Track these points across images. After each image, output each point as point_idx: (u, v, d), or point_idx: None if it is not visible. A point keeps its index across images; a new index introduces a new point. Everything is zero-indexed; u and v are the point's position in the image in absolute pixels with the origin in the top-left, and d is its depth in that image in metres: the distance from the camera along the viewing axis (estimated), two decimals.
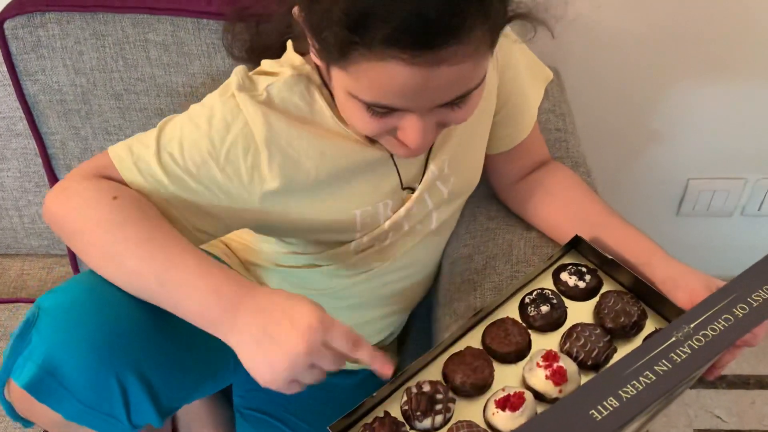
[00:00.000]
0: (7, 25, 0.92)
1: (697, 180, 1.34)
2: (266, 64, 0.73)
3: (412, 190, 0.78)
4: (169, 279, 0.61)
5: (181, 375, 0.69)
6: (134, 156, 0.67)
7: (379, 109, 0.61)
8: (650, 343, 0.52)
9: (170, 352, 0.66)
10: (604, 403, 0.49)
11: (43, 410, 0.62)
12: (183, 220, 0.68)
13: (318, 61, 0.65)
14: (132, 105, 0.97)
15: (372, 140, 0.73)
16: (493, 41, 0.60)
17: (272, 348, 0.58)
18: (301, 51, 0.72)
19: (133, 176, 0.67)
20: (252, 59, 0.83)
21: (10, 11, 0.92)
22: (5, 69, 0.96)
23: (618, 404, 0.49)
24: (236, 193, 0.69)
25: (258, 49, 0.81)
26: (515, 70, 0.83)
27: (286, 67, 0.70)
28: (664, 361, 0.51)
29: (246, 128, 0.67)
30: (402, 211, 0.78)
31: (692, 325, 0.52)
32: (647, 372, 0.50)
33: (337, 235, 0.78)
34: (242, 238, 0.89)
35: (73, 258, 1.13)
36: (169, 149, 0.67)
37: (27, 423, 0.69)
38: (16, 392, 0.63)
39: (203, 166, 0.67)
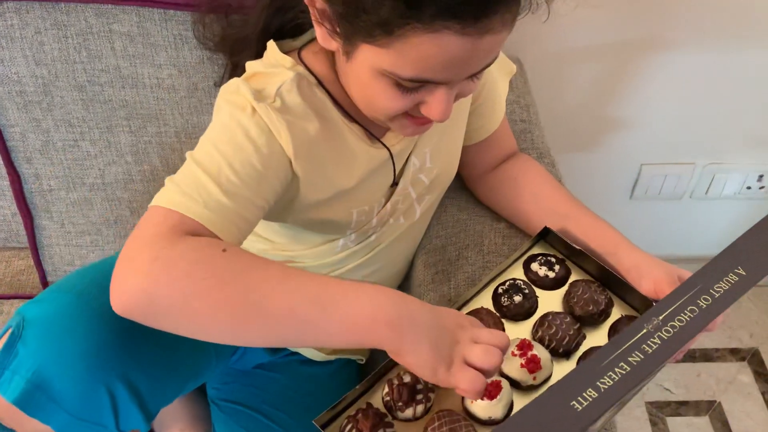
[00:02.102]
0: None
1: (650, 165, 1.39)
2: (255, 66, 0.71)
3: (396, 184, 0.80)
4: (328, 299, 0.57)
5: (166, 378, 0.69)
6: (199, 199, 0.61)
7: (411, 84, 0.61)
8: (623, 336, 0.55)
9: (156, 356, 0.66)
10: (584, 394, 0.51)
11: (32, 423, 0.62)
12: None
13: (333, 44, 0.64)
14: (96, 97, 0.95)
15: (372, 136, 0.74)
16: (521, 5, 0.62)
17: (445, 336, 0.59)
18: (284, 50, 0.72)
19: (210, 217, 0.61)
20: (226, 50, 0.83)
21: None
22: None
23: (597, 395, 0.51)
24: (285, 192, 0.69)
25: (231, 39, 0.81)
26: None
27: (280, 68, 0.69)
28: (636, 352, 0.54)
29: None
30: (389, 206, 0.80)
31: (661, 317, 0.56)
32: (622, 363, 0.53)
33: (330, 232, 0.79)
34: None
35: (35, 250, 1.10)
36: (225, 176, 0.62)
37: None
38: (2, 405, 0.62)
39: (262, 180, 0.64)
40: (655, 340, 0.53)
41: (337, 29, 0.61)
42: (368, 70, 0.62)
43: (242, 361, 0.92)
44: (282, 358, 0.94)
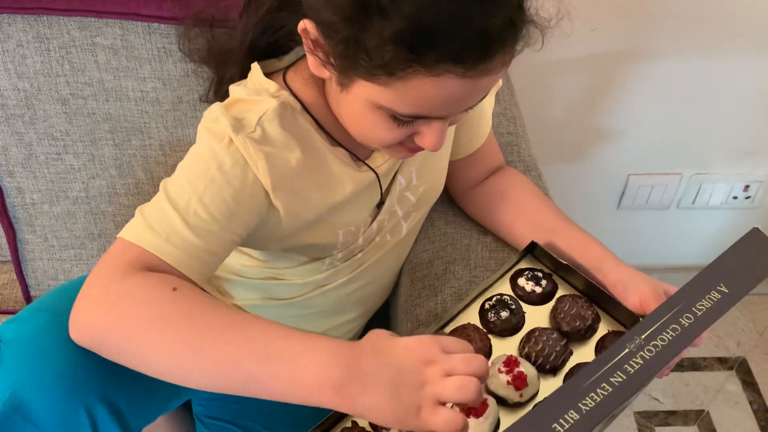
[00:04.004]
0: None
1: (637, 176, 1.40)
2: (238, 92, 0.70)
3: (382, 203, 0.79)
4: (273, 351, 0.55)
5: (147, 397, 0.68)
6: (163, 234, 0.61)
7: (407, 119, 0.61)
8: (605, 356, 0.54)
9: (136, 375, 0.64)
10: (566, 416, 0.51)
11: None
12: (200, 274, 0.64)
13: (325, 73, 0.63)
14: (79, 110, 0.94)
15: (357, 158, 0.74)
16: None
17: (408, 380, 0.54)
18: (268, 71, 0.71)
19: (171, 252, 0.61)
20: (211, 63, 0.82)
21: None
22: None
23: (578, 416, 0.51)
24: (262, 225, 0.68)
25: (216, 52, 0.80)
26: None
27: (264, 95, 0.68)
28: (618, 372, 0.54)
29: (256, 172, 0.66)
30: (375, 225, 0.79)
31: (643, 336, 0.55)
32: (604, 384, 0.53)
33: (316, 252, 0.79)
34: None
35: (18, 264, 1.08)
36: (193, 211, 0.62)
37: None
38: None
39: (231, 215, 0.63)
40: (637, 360, 0.53)
41: (333, 61, 0.60)
42: (364, 102, 0.61)
43: None
44: None
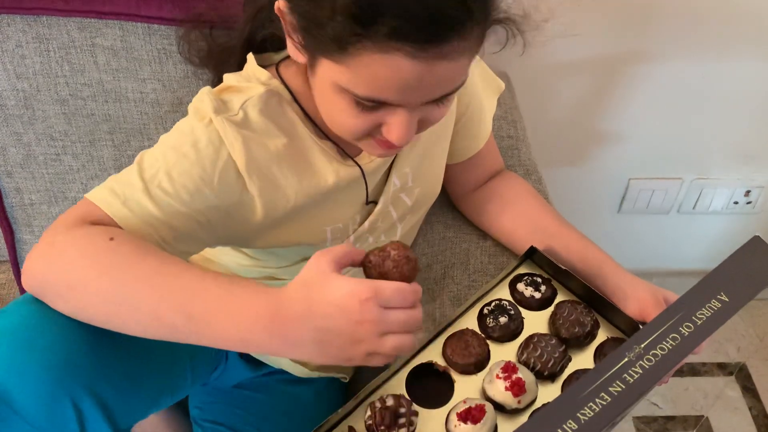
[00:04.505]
0: None
1: (638, 180, 1.39)
2: (230, 78, 0.71)
3: (375, 202, 0.79)
4: (195, 312, 0.56)
5: (137, 392, 0.67)
6: (121, 197, 0.63)
7: (369, 104, 0.60)
8: (604, 365, 0.54)
9: (125, 370, 0.65)
10: (564, 426, 0.51)
11: None
12: (170, 248, 0.65)
13: (300, 57, 0.63)
14: (78, 111, 0.93)
15: (344, 153, 0.73)
16: (483, 41, 0.61)
17: (338, 340, 0.54)
18: (264, 64, 0.71)
19: (123, 215, 0.62)
20: (210, 64, 0.82)
21: None
22: None
23: (577, 426, 0.51)
24: (234, 211, 0.68)
25: (215, 53, 0.80)
26: (470, 81, 0.84)
27: (254, 82, 0.69)
28: (618, 381, 0.53)
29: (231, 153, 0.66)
30: (366, 224, 0.79)
31: (642, 345, 0.55)
32: (603, 393, 0.53)
33: (305, 250, 0.78)
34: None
35: (16, 264, 1.08)
36: (158, 182, 0.63)
37: None
38: None
39: (196, 192, 0.64)
40: (636, 369, 0.53)
41: (302, 42, 0.61)
42: (329, 85, 0.61)
43: (222, 378, 0.91)
44: (265, 376, 0.93)
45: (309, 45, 0.60)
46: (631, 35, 1.17)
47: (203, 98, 0.67)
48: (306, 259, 0.77)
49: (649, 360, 0.53)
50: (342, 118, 0.63)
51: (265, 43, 0.74)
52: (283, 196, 0.70)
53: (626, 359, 0.53)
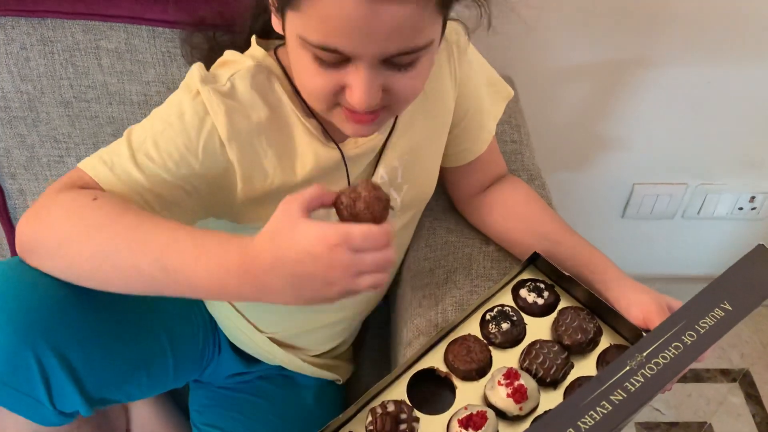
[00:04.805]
0: None
1: (642, 185, 1.39)
2: (229, 54, 0.73)
3: None
4: (170, 263, 0.58)
5: (107, 362, 0.68)
6: (108, 164, 0.65)
7: (326, 58, 0.60)
8: (606, 373, 0.54)
9: (94, 336, 0.66)
10: None
11: None
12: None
13: (279, 26, 0.64)
14: (82, 113, 0.94)
15: (328, 136, 0.73)
16: (442, 3, 0.60)
17: (311, 284, 0.56)
18: (266, 48, 0.72)
19: (110, 181, 0.64)
20: (212, 65, 0.82)
21: None
22: None
23: None
24: (219, 181, 0.68)
25: (218, 56, 0.80)
26: (473, 85, 0.84)
27: (248, 58, 0.71)
28: (619, 390, 0.53)
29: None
30: None
31: (645, 354, 0.55)
32: (604, 402, 0.52)
33: None
34: None
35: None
36: (144, 150, 0.65)
37: None
38: None
39: (181, 161, 0.66)
40: (638, 378, 0.52)
41: (276, 4, 0.63)
42: (293, 41, 0.62)
43: (217, 372, 0.91)
44: (261, 379, 0.93)
45: (278, 3, 0.62)
46: (636, 40, 1.16)
47: (193, 71, 0.69)
48: None
49: (651, 369, 0.52)
50: (306, 77, 0.64)
51: (265, 28, 0.74)
52: (262, 170, 0.70)
53: (628, 368, 0.52)
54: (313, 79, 0.63)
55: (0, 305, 0.60)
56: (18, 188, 1.00)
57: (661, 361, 0.52)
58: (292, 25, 0.61)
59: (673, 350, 0.53)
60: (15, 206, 1.02)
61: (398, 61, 0.61)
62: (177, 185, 0.66)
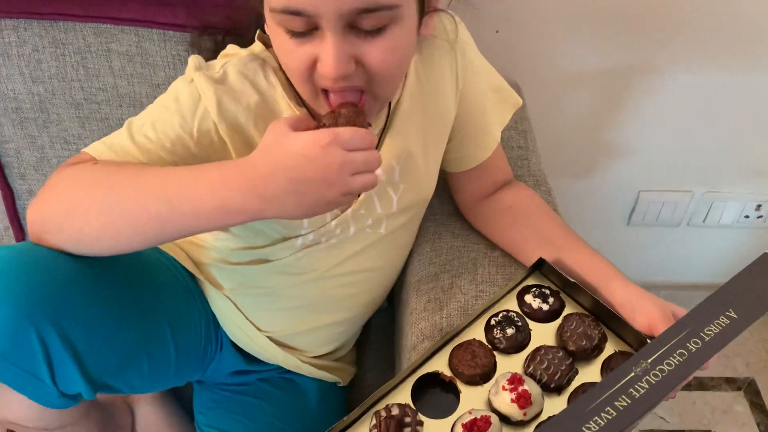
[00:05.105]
0: None
1: (648, 192, 1.39)
2: (230, 47, 0.76)
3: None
4: (173, 194, 0.61)
5: (109, 344, 0.69)
6: (107, 144, 0.68)
7: (293, 25, 0.61)
8: (610, 379, 0.54)
9: (97, 316, 0.67)
10: None
11: None
12: None
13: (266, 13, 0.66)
14: (93, 114, 0.95)
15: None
16: None
17: (311, 187, 0.59)
18: (266, 42, 0.74)
19: (110, 158, 0.67)
20: None
21: None
22: None
23: None
24: (220, 159, 0.69)
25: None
26: (477, 90, 0.84)
27: (246, 50, 0.74)
28: (623, 396, 0.53)
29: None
30: (349, 211, 0.79)
31: (649, 360, 0.55)
32: (608, 408, 0.52)
33: (284, 228, 0.79)
34: (193, 236, 0.88)
35: None
36: (143, 131, 0.68)
37: None
38: None
39: (177, 140, 0.68)
40: (643, 384, 0.53)
41: None
42: (269, 21, 0.65)
43: (218, 369, 0.92)
44: (263, 381, 0.93)
45: None
46: (642, 47, 1.17)
47: (190, 62, 0.72)
48: (287, 238, 0.79)
49: (655, 375, 0.52)
50: (283, 54, 0.66)
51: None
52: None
53: (633, 374, 0.53)
54: (289, 56, 0.65)
55: (4, 283, 0.61)
56: (27, 188, 1.01)
57: (665, 368, 0.53)
58: (265, 3, 0.64)
59: (678, 357, 0.53)
60: (24, 206, 1.03)
61: (364, 24, 0.61)
62: (174, 164, 0.68)
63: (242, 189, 0.59)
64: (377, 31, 0.62)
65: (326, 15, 0.60)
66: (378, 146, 0.78)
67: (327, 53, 0.61)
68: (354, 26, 0.61)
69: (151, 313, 0.77)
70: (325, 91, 0.65)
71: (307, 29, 0.62)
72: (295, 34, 0.63)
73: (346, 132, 0.59)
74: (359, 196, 0.62)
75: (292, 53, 0.64)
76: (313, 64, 0.64)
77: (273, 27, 0.65)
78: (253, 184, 0.59)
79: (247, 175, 0.59)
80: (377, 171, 0.62)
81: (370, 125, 0.65)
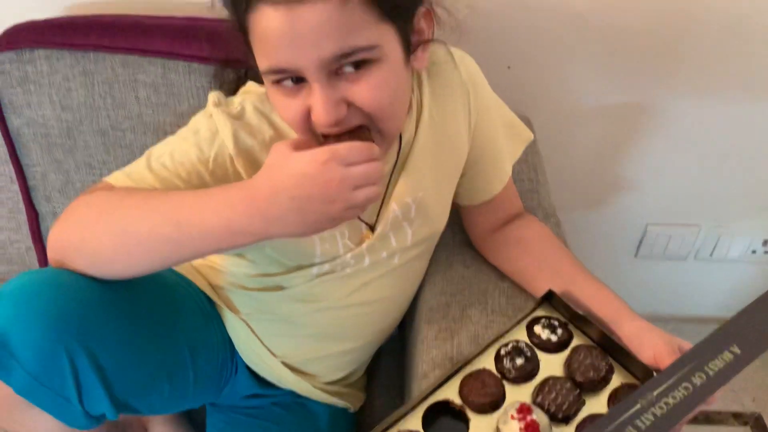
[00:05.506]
0: None
1: (656, 225, 1.41)
2: (250, 84, 0.79)
3: (370, 227, 0.81)
4: (182, 217, 0.63)
5: (133, 364, 0.71)
6: (126, 173, 0.71)
7: (283, 81, 0.65)
8: (616, 410, 0.56)
9: (123, 340, 0.69)
10: None
11: None
12: None
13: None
14: (117, 141, 0.98)
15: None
16: (369, 2, 0.62)
17: (313, 205, 0.60)
18: None
19: (126, 184, 0.70)
20: None
21: None
22: None
23: None
24: None
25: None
26: (490, 126, 0.87)
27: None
28: (629, 428, 0.55)
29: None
30: (364, 245, 0.81)
31: (655, 393, 0.57)
32: None
33: (297, 257, 0.81)
34: (211, 261, 0.91)
35: None
36: (161, 161, 0.71)
37: None
38: None
39: (193, 170, 0.71)
40: (648, 416, 0.54)
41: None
42: (263, 78, 0.68)
43: (232, 393, 0.94)
44: (276, 405, 0.95)
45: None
46: (650, 84, 1.19)
47: (209, 98, 0.75)
48: (301, 267, 0.81)
49: (661, 408, 0.54)
50: (280, 110, 0.69)
51: None
52: None
53: (639, 406, 0.54)
54: (285, 110, 0.68)
55: (36, 306, 0.64)
56: (52, 211, 1.04)
57: (670, 400, 0.54)
58: (258, 64, 0.67)
59: (683, 391, 0.55)
60: (47, 228, 1.05)
61: (345, 68, 0.64)
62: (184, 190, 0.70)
63: (246, 211, 0.61)
64: (361, 71, 0.65)
65: (308, 67, 0.63)
66: (393, 183, 0.81)
67: (317, 102, 0.64)
68: (338, 72, 0.64)
69: (173, 336, 0.79)
70: (326, 136, 0.67)
71: (296, 83, 0.65)
72: (286, 90, 0.66)
73: (343, 148, 0.60)
74: (365, 209, 0.63)
75: (287, 107, 0.67)
76: (307, 114, 0.67)
77: (267, 85, 0.68)
78: (256, 206, 0.61)
79: (251, 197, 0.61)
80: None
81: (372, 140, 0.67)
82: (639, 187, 1.35)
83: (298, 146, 0.63)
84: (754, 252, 1.44)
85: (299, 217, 0.60)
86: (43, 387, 0.65)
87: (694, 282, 1.52)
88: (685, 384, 0.55)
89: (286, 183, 0.60)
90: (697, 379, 0.55)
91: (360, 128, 0.67)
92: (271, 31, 0.62)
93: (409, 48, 0.70)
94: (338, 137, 0.65)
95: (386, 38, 0.65)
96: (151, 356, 0.74)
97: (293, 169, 0.60)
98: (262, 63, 0.65)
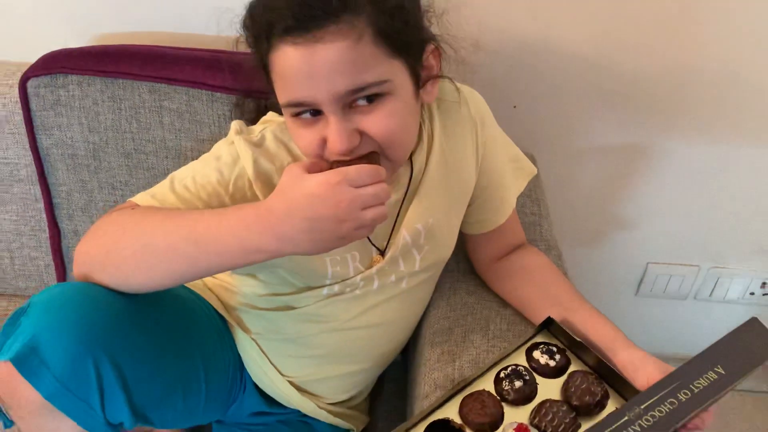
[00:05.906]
0: (31, 83, 0.98)
1: (656, 264, 1.43)
2: (270, 114, 0.84)
3: (381, 251, 0.85)
4: (199, 236, 0.66)
5: (154, 376, 0.74)
6: (150, 194, 0.76)
7: (302, 114, 0.70)
8: (605, 421, 0.59)
9: (144, 351, 0.73)
10: None
11: (24, 392, 0.67)
12: None
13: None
14: (140, 164, 1.03)
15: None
16: (378, 32, 0.67)
17: (324, 225, 0.63)
18: None
19: (151, 203, 0.74)
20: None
21: (36, 70, 0.98)
22: (20, 120, 1.02)
23: None
24: None
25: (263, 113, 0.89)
26: (496, 160, 0.92)
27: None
28: None
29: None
30: (374, 269, 0.85)
31: (642, 407, 0.60)
32: None
33: (309, 278, 0.84)
34: (223, 280, 0.95)
35: None
36: (183, 183, 0.75)
37: (8, 422, 0.73)
38: (1, 373, 0.68)
39: (214, 193, 0.75)
40: (635, 428, 0.57)
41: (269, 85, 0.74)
42: (283, 111, 0.72)
43: (239, 410, 0.96)
44: (281, 423, 0.97)
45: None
46: (651, 125, 1.23)
47: (231, 126, 0.80)
48: (311, 287, 0.85)
49: (647, 420, 0.57)
50: (297, 139, 0.73)
51: None
52: None
53: (626, 417, 0.57)
54: (303, 140, 0.72)
55: (67, 315, 0.67)
56: (73, 229, 1.08)
57: (657, 413, 0.57)
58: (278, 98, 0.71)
59: (668, 405, 0.58)
60: (68, 246, 1.10)
61: (358, 101, 0.69)
62: None
63: (260, 230, 0.64)
64: (373, 104, 0.70)
65: (324, 101, 0.68)
66: (404, 210, 0.85)
67: (332, 132, 0.69)
68: (352, 105, 0.70)
69: (189, 351, 0.82)
70: (338, 163, 0.71)
71: (313, 115, 0.70)
72: (305, 121, 0.71)
73: (352, 170, 0.64)
74: (373, 228, 0.66)
75: (305, 137, 0.72)
76: (323, 143, 0.71)
77: (287, 117, 0.73)
78: (270, 226, 0.64)
79: (265, 217, 0.64)
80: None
81: (379, 163, 0.71)
82: (639, 226, 1.38)
83: (310, 168, 0.67)
84: (752, 294, 1.46)
85: (311, 236, 0.64)
86: (70, 393, 0.68)
87: (694, 321, 1.53)
88: (670, 399, 0.58)
89: (299, 203, 0.63)
90: (682, 396, 0.59)
91: (368, 153, 0.72)
92: (290, 69, 0.67)
93: (419, 82, 0.75)
94: (348, 161, 0.70)
95: (396, 73, 0.70)
96: (169, 369, 0.77)
97: (306, 190, 0.63)
98: (282, 97, 0.70)
